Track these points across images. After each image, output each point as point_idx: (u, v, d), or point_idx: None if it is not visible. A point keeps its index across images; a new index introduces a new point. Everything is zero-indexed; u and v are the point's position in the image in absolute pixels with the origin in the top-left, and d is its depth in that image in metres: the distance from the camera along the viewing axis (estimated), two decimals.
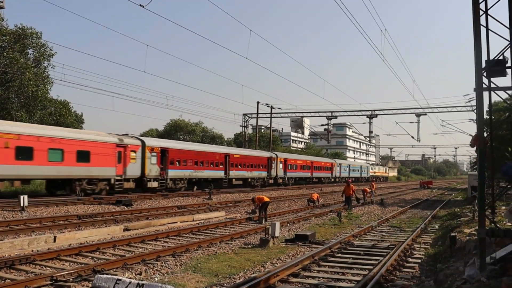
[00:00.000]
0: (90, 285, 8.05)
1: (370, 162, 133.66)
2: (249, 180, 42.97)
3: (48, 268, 9.58)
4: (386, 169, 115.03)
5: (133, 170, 28.30)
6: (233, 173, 39.62)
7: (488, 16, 8.08)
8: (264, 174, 45.32)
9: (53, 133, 23.97)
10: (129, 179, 28.27)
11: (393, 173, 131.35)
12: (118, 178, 27.26)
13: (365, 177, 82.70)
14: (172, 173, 31.96)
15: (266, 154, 47.34)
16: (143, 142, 29.58)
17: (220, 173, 37.93)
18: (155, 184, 30.20)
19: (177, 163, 32.53)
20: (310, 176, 57.89)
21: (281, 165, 49.17)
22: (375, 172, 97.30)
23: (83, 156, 24.90)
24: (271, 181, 46.79)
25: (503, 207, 16.60)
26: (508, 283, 6.27)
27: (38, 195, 24.71)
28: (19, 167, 21.85)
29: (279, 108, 56.43)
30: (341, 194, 29.77)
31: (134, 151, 28.49)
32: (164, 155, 31.22)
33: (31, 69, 34.03)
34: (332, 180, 65.17)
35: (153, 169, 29.86)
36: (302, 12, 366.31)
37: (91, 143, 25.54)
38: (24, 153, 21.98)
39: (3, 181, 22.32)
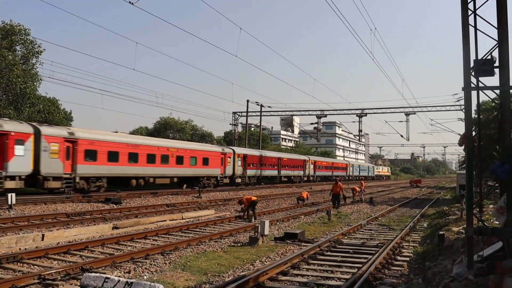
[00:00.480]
0: (79, 283, 8.00)
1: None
2: (292, 177, 55.14)
3: (36, 266, 9.50)
4: (388, 169, 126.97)
5: (229, 170, 40.08)
6: (283, 172, 52.27)
7: (477, 16, 8.13)
8: (301, 173, 57.98)
9: (192, 146, 36.15)
10: (226, 176, 39.86)
11: None
12: (221, 176, 38.94)
13: (371, 176, 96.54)
14: (249, 172, 43.96)
15: (302, 157, 59.83)
16: (233, 151, 41.28)
17: (275, 172, 50.75)
18: (239, 180, 42.10)
19: (251, 165, 44.33)
20: (331, 175, 68.94)
21: (312, 166, 61.12)
22: (379, 172, 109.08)
23: (205, 161, 36.29)
24: (305, 178, 58.78)
25: (491, 206, 16.73)
26: (495, 281, 6.33)
27: (26, 193, 24.49)
28: (177, 169, 33.14)
29: (269, 107, 56.65)
30: (329, 193, 29.51)
31: (229, 157, 40.04)
32: (244, 159, 42.61)
33: (19, 66, 33.65)
34: (347, 178, 77.38)
35: (239, 169, 41.82)
36: (293, 11, 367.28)
37: (209, 153, 37.08)
38: (179, 160, 33.17)
39: (167, 178, 32.44)
